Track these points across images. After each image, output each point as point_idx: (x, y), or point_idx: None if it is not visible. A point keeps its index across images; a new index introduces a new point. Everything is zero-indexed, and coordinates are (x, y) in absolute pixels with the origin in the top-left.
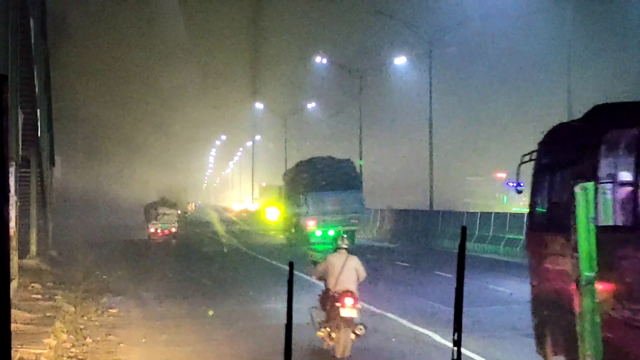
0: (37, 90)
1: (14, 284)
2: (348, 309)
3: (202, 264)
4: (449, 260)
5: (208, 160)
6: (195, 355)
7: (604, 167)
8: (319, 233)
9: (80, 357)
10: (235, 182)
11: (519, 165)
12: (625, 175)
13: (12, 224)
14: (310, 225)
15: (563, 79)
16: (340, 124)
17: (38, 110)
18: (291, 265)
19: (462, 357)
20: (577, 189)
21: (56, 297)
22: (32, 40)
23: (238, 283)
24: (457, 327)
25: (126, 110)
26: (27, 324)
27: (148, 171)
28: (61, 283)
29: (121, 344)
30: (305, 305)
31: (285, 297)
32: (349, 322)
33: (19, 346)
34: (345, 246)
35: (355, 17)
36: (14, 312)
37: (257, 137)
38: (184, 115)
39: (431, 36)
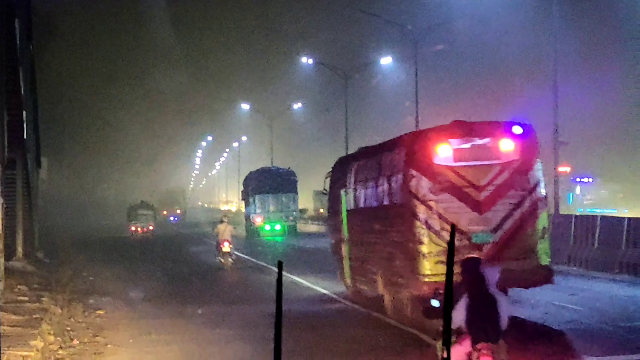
0: (22, 91)
1: (0, 286)
2: (226, 247)
3: (190, 263)
4: None
5: (194, 162)
6: (183, 355)
7: (348, 182)
8: (267, 227)
9: (67, 358)
10: (222, 183)
11: (325, 179)
12: (353, 186)
13: None
14: (258, 221)
15: (549, 74)
16: (327, 123)
17: (24, 112)
18: (280, 264)
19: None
20: (342, 192)
21: (43, 298)
22: (18, 42)
23: (225, 281)
24: (446, 327)
25: (112, 111)
26: (14, 326)
27: (134, 172)
28: (48, 285)
29: (108, 345)
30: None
31: (274, 295)
32: (227, 254)
33: (5, 348)
34: (226, 220)
35: (343, 17)
36: (0, 314)
37: (244, 138)
38: (170, 116)
39: (417, 35)
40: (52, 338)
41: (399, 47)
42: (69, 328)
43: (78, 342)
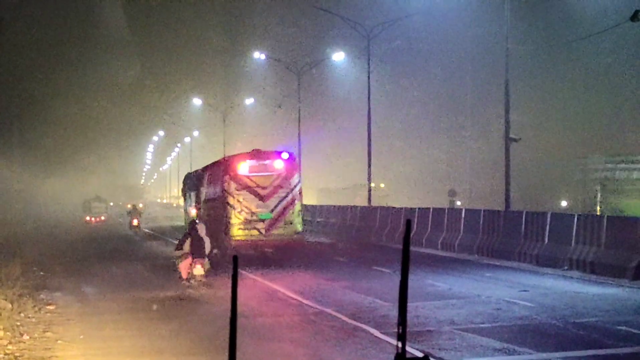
0: None
1: None
2: (135, 222)
3: (146, 259)
4: (386, 256)
5: (145, 157)
6: (134, 350)
7: (202, 182)
8: None
9: (17, 354)
10: (174, 178)
11: (182, 186)
12: (205, 188)
13: None
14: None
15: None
16: (283, 117)
17: None
18: (235, 259)
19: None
20: (201, 188)
21: None
22: None
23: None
24: (402, 321)
25: (63, 105)
26: None
27: (85, 166)
28: None
29: (59, 341)
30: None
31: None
32: (136, 227)
33: None
34: (134, 207)
35: (297, 13)
36: None
37: (195, 133)
38: (122, 110)
39: (370, 32)
40: (1, 333)
41: (355, 44)
42: (18, 323)
43: (28, 337)
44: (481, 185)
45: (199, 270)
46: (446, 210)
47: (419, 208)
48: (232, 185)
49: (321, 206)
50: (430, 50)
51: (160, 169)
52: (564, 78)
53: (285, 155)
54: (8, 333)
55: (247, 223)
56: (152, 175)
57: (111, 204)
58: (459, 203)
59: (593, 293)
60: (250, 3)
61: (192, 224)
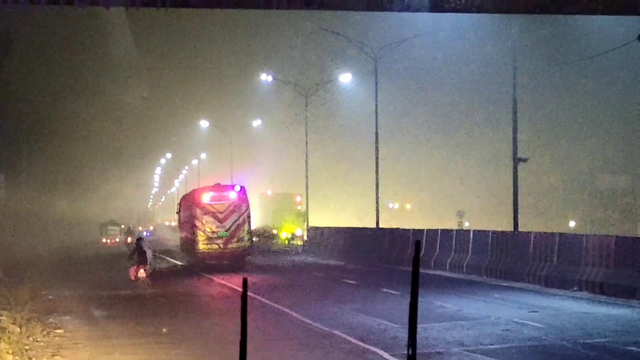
0: None
1: None
2: (129, 239)
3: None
4: (395, 277)
5: (153, 179)
6: None
7: (183, 208)
8: None
9: None
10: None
11: (177, 211)
12: (182, 213)
13: None
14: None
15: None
16: (291, 138)
17: None
18: (245, 281)
19: None
20: (181, 213)
21: (1, 317)
22: None
23: (189, 300)
24: (412, 343)
25: (71, 128)
26: None
27: (93, 189)
28: (6, 303)
29: None
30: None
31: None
32: (130, 243)
33: None
34: (126, 229)
35: (304, 35)
36: None
37: (203, 155)
38: (130, 133)
39: (377, 53)
40: (10, 357)
41: (362, 64)
42: (27, 347)
43: None
44: (490, 204)
45: (142, 273)
46: (454, 232)
47: (426, 230)
48: (198, 211)
49: (329, 228)
50: (438, 70)
51: (168, 191)
52: (573, 97)
53: (237, 188)
54: (17, 357)
55: (210, 239)
56: (159, 198)
57: (122, 226)
58: (467, 224)
59: (603, 314)
60: (256, 26)
61: (138, 240)
